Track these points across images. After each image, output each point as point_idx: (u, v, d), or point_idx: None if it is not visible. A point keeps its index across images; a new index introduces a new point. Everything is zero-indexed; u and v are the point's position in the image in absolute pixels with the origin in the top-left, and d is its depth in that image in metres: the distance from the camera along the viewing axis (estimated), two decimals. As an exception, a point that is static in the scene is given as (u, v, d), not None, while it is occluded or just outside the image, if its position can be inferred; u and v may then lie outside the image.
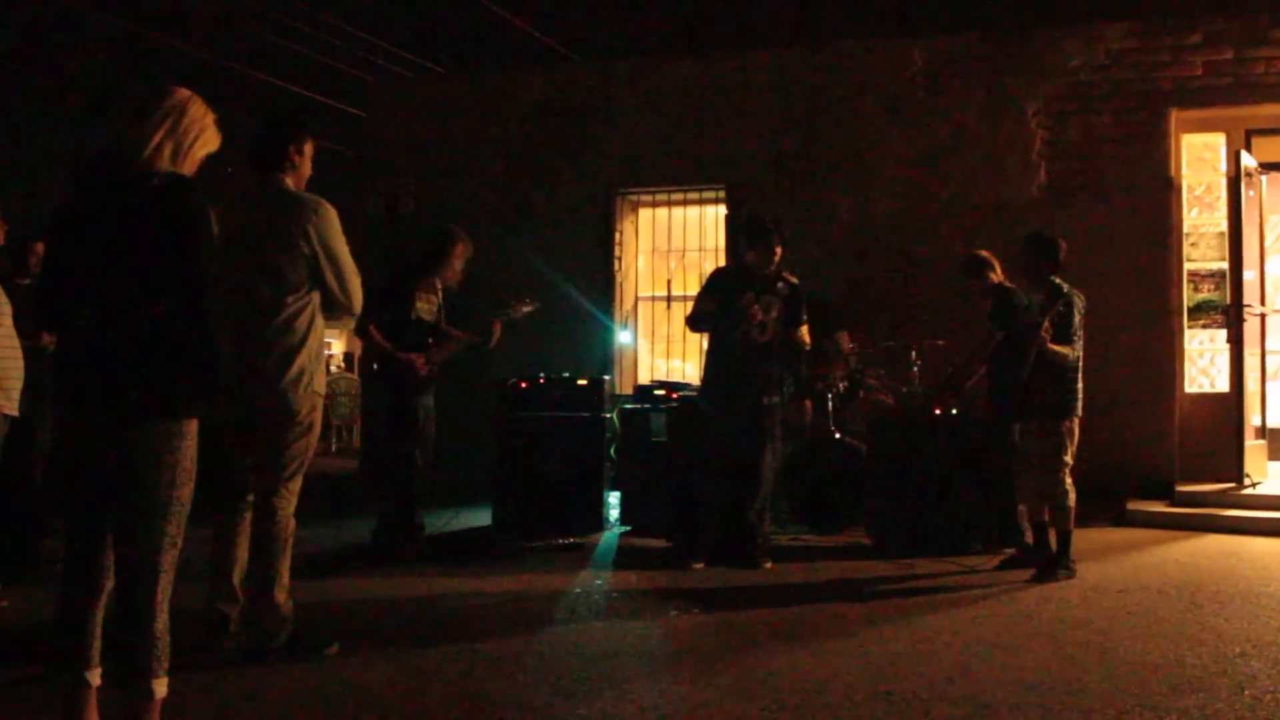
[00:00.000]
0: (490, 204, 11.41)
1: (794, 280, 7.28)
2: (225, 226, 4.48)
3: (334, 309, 4.86)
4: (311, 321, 4.76)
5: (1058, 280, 6.92)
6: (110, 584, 3.53)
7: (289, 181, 4.85)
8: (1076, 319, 6.82)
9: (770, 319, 7.14)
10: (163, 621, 3.45)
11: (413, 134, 11.93)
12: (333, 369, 19.92)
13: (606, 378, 8.64)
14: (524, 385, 8.45)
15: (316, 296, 4.77)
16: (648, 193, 11.36)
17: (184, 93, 3.69)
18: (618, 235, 11.29)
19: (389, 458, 7.38)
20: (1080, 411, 6.85)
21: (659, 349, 11.33)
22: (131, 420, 3.41)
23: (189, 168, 3.65)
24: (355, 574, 6.91)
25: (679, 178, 11.02)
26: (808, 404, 7.48)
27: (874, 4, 9.94)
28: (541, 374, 8.49)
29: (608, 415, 8.49)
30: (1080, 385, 6.86)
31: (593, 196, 11.25)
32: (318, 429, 4.87)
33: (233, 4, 9.79)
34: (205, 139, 3.71)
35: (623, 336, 11.10)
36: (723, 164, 10.80)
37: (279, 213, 4.74)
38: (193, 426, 3.51)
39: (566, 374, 8.50)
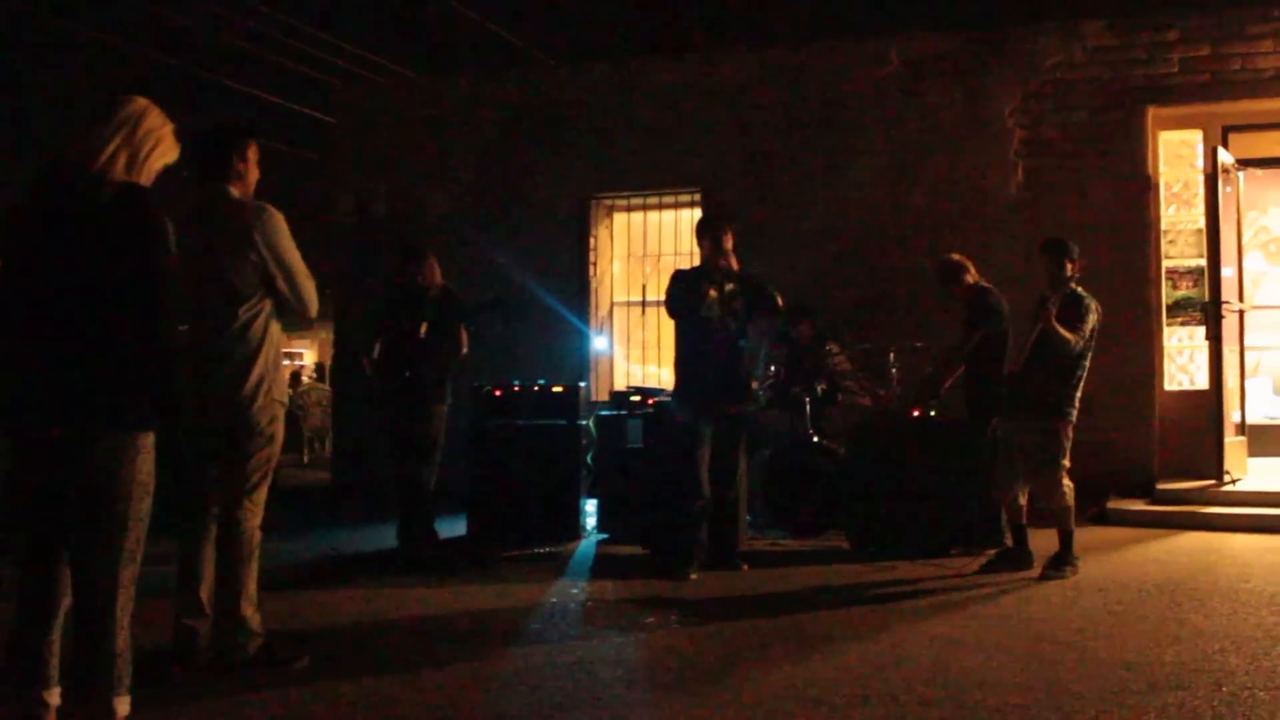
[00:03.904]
0: (463, 208, 11.35)
1: (745, 274, 7.19)
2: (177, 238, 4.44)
3: (289, 314, 4.79)
4: (266, 329, 4.67)
5: (1078, 288, 6.91)
6: (68, 601, 3.47)
7: (234, 190, 4.75)
8: (1091, 319, 6.82)
9: (738, 308, 7.08)
10: (123, 638, 3.39)
11: (384, 138, 11.86)
12: (304, 380, 19.85)
13: (582, 384, 8.56)
14: (498, 392, 8.37)
15: (269, 304, 4.68)
16: (623, 197, 11.31)
17: (141, 101, 3.63)
18: (593, 240, 11.24)
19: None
20: (1075, 416, 6.84)
21: (635, 355, 11.26)
22: (88, 434, 3.35)
23: (146, 178, 3.58)
24: (329, 586, 6.85)
25: (654, 182, 10.98)
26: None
27: (850, 4, 9.88)
28: (516, 381, 8.42)
29: (583, 422, 8.41)
30: (1080, 390, 6.85)
31: (567, 201, 11.20)
32: (280, 439, 4.79)
33: (201, 10, 9.68)
34: (163, 149, 3.64)
35: (599, 342, 11.03)
36: (698, 167, 10.76)
37: (224, 222, 4.65)
38: (149, 440, 3.45)
39: (541, 381, 8.42)
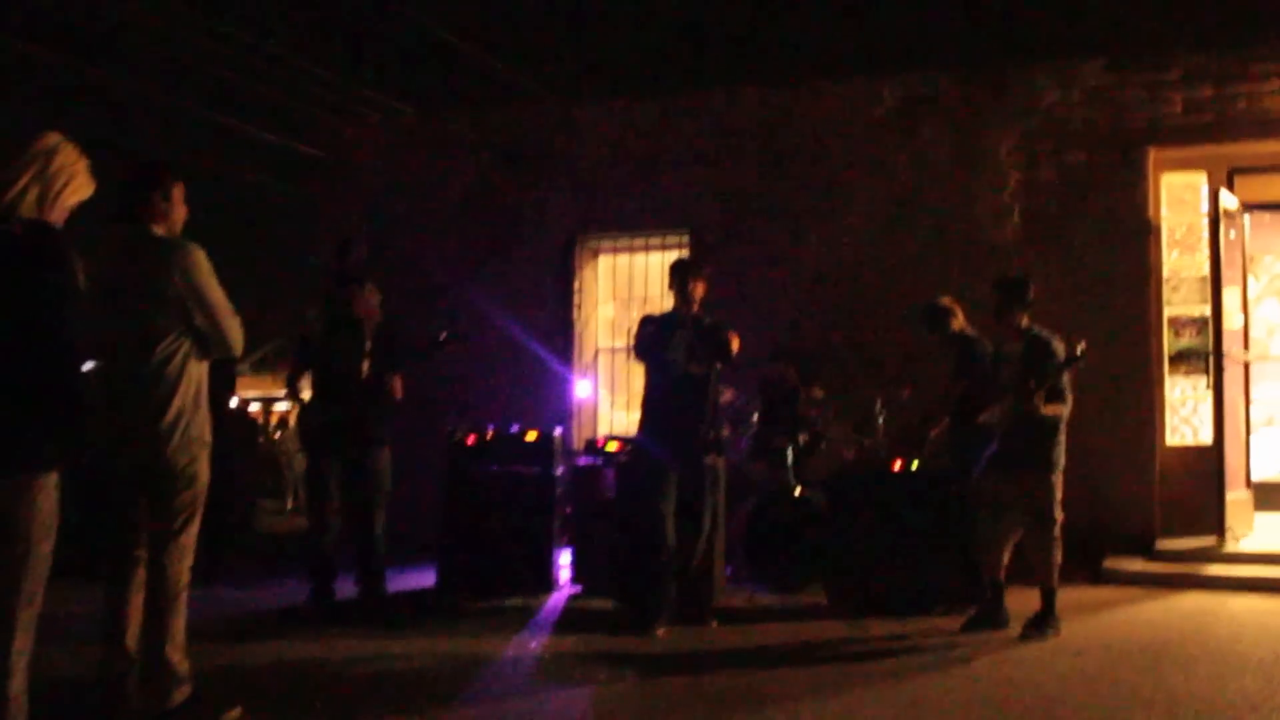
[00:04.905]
0: (447, 249, 11.18)
1: (708, 320, 6.99)
2: (94, 278, 4.33)
3: (212, 351, 4.66)
4: (183, 368, 4.55)
5: (1031, 325, 6.72)
6: None
7: (158, 229, 4.67)
8: (1065, 375, 6.58)
9: (703, 354, 6.87)
10: (18, 682, 3.36)
11: (368, 176, 11.74)
12: (290, 423, 19.62)
13: (558, 432, 8.29)
14: (470, 439, 8.14)
15: (188, 342, 4.57)
16: (609, 238, 11.10)
17: (54, 137, 3.67)
18: (578, 283, 11.01)
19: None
20: (1064, 462, 6.58)
21: (620, 401, 11.00)
22: None
23: (57, 216, 3.62)
24: (282, 636, 6.64)
25: (641, 223, 10.75)
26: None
27: (842, 42, 9.65)
28: (490, 427, 8.19)
29: (558, 470, 8.15)
30: (1063, 435, 6.60)
31: (552, 242, 11.00)
32: (203, 480, 4.63)
33: (188, 43, 9.63)
34: (75, 186, 3.68)
35: (582, 389, 10.79)
36: (686, 209, 10.55)
37: (143, 259, 4.58)
38: (51, 480, 3.43)
39: (515, 428, 8.19)
